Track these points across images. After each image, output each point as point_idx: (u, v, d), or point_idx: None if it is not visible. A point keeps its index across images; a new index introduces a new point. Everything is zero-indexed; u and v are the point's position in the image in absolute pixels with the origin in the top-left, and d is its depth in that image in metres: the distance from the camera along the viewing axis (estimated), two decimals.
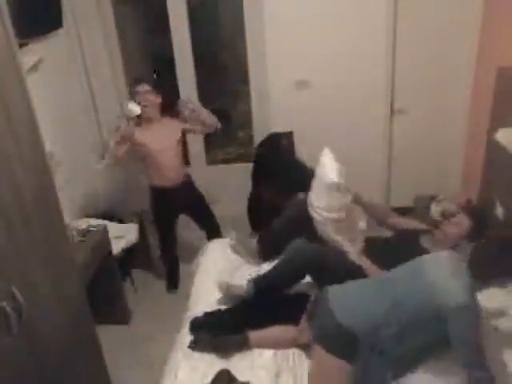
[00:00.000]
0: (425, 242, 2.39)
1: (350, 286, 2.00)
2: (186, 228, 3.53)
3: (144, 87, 3.00)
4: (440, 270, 1.81)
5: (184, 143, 3.39)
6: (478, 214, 2.38)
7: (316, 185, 2.57)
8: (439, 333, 1.73)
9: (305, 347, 2.02)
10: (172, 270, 3.43)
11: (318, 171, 2.56)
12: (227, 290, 2.33)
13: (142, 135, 3.03)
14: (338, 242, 2.50)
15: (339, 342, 1.79)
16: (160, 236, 3.33)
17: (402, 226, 2.59)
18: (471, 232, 2.28)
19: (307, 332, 2.01)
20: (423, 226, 2.56)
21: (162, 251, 3.41)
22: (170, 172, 3.10)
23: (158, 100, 3.06)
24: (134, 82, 3.16)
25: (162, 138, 3.05)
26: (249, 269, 2.62)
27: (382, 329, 1.75)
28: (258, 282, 2.32)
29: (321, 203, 2.50)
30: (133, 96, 3.06)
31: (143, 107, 2.98)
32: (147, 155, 3.07)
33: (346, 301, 1.90)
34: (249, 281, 2.35)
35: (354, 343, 1.75)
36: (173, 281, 3.42)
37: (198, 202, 3.32)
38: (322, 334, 1.85)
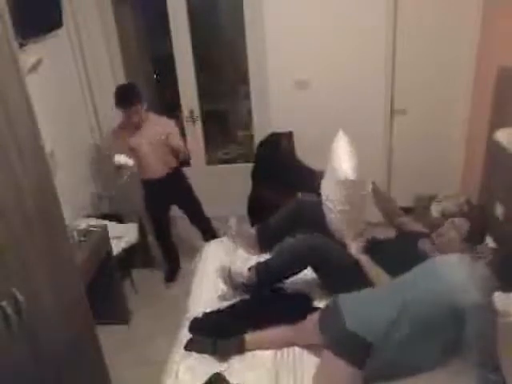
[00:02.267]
0: (424, 245, 2.38)
1: (361, 292, 2.00)
2: (185, 228, 3.59)
3: (126, 110, 3.02)
4: (455, 271, 1.79)
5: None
6: (478, 216, 2.37)
7: (329, 175, 2.49)
8: (450, 335, 1.72)
9: (305, 346, 2.03)
10: (170, 259, 3.51)
11: (333, 160, 2.45)
12: (229, 275, 2.31)
13: (130, 138, 3.12)
14: (342, 232, 2.48)
15: (351, 348, 1.79)
16: (154, 226, 3.43)
17: (407, 227, 2.58)
18: (470, 235, 2.28)
19: (307, 332, 2.01)
20: (425, 230, 2.55)
21: (157, 240, 3.50)
22: (155, 165, 3.20)
23: (140, 109, 3.05)
24: (115, 99, 3.05)
25: (146, 136, 3.12)
26: (248, 259, 2.61)
27: (392, 332, 1.74)
28: (260, 269, 2.31)
29: (333, 195, 2.45)
30: (120, 106, 3.06)
31: (132, 122, 3.06)
32: (134, 152, 3.15)
33: (356, 307, 1.90)
34: (250, 268, 2.34)
35: (366, 349, 1.75)
36: (172, 270, 3.49)
37: (184, 193, 3.41)
38: (334, 340, 1.85)
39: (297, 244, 2.35)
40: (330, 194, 2.47)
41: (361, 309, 1.88)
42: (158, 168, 3.21)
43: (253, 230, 2.76)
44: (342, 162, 2.39)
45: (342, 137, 2.51)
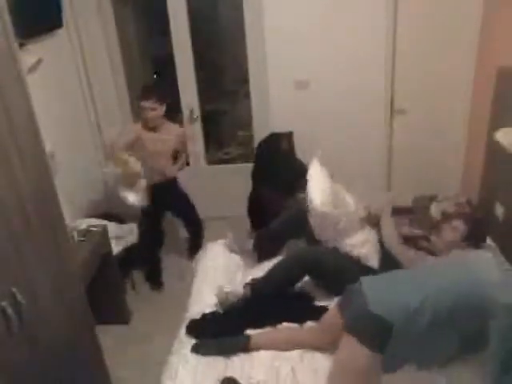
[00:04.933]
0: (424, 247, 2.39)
1: (385, 275, 1.98)
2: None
3: (150, 104, 3.05)
4: (490, 268, 1.80)
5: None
6: (476, 219, 2.38)
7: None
8: (470, 329, 1.72)
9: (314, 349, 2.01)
10: (157, 270, 3.44)
11: (307, 189, 2.50)
12: (225, 299, 2.30)
13: (144, 137, 3.13)
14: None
15: (373, 332, 1.76)
16: (142, 233, 3.31)
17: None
18: (468, 237, 2.29)
19: (326, 327, 2.00)
20: (420, 232, 2.56)
21: (142, 250, 3.35)
22: (159, 170, 3.24)
23: (163, 111, 3.13)
24: (141, 92, 3.15)
25: (160, 141, 3.16)
26: (247, 270, 2.62)
27: (416, 318, 1.72)
28: (256, 287, 2.32)
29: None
30: (139, 109, 3.12)
31: (150, 119, 3.09)
32: (144, 155, 3.14)
33: (381, 290, 1.87)
34: (245, 285, 2.34)
35: (387, 332, 1.72)
36: (158, 280, 3.42)
37: (181, 198, 3.43)
38: (356, 324, 1.82)
39: (292, 259, 2.36)
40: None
41: (385, 292, 1.86)
42: (159, 173, 3.24)
43: (249, 244, 2.76)
44: (313, 193, 2.44)
45: (314, 165, 2.56)
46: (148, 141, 3.14)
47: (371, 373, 1.75)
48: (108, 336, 2.48)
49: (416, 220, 2.87)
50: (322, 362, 1.94)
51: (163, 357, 2.11)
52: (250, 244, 2.75)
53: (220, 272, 2.59)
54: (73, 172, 3.23)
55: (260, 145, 3.67)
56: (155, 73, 4.55)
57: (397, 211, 2.79)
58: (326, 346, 1.98)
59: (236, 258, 2.74)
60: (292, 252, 2.45)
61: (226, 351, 2.02)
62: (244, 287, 2.34)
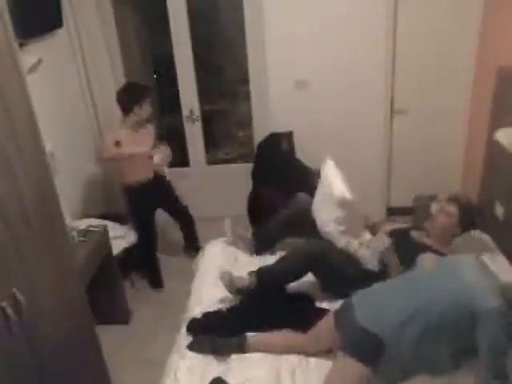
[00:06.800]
0: (416, 236, 2.42)
1: (375, 288, 1.98)
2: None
3: (149, 105, 3.11)
4: (476, 273, 1.79)
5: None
6: (467, 204, 2.40)
7: (324, 201, 2.54)
8: (461, 336, 1.72)
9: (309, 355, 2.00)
10: (156, 269, 3.43)
11: (325, 186, 2.52)
12: (230, 281, 2.29)
13: (124, 137, 3.08)
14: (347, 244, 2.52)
15: (363, 345, 1.77)
16: (140, 233, 3.31)
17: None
18: (461, 221, 2.31)
19: (321, 335, 1.99)
20: (406, 225, 2.60)
21: (143, 250, 3.35)
22: (143, 169, 3.22)
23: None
24: (140, 92, 3.11)
25: (140, 142, 3.14)
26: (247, 262, 2.62)
27: (405, 329, 1.73)
28: (261, 274, 2.31)
29: (330, 218, 2.51)
30: (135, 101, 3.06)
31: (143, 119, 3.14)
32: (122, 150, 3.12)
33: (369, 305, 1.88)
34: (250, 272, 2.34)
35: (378, 347, 1.74)
36: (159, 279, 3.42)
37: (169, 194, 3.44)
38: (348, 340, 1.83)
39: (299, 251, 2.36)
40: (327, 218, 2.52)
41: (374, 306, 1.87)
42: (145, 171, 3.22)
43: (248, 234, 2.76)
44: (336, 185, 2.46)
45: (329, 163, 2.59)
46: (127, 141, 3.06)
47: None
48: (108, 336, 2.47)
49: (417, 219, 2.87)
50: (320, 366, 1.93)
51: (163, 357, 2.11)
52: (249, 233, 2.75)
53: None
54: (72, 172, 3.23)
55: (260, 145, 3.67)
56: (155, 73, 4.55)
57: (397, 211, 2.81)
58: (322, 352, 1.99)
59: (235, 256, 2.74)
60: (300, 244, 2.46)
61: (220, 350, 2.02)
62: (249, 274, 2.32)
